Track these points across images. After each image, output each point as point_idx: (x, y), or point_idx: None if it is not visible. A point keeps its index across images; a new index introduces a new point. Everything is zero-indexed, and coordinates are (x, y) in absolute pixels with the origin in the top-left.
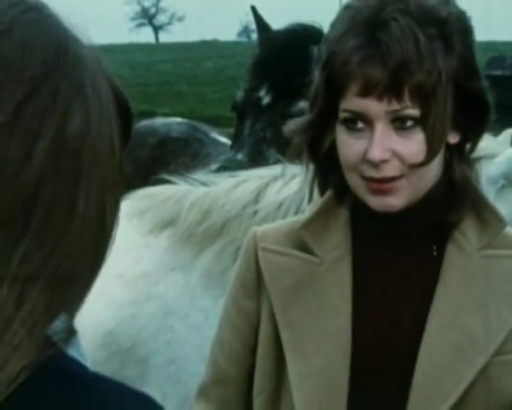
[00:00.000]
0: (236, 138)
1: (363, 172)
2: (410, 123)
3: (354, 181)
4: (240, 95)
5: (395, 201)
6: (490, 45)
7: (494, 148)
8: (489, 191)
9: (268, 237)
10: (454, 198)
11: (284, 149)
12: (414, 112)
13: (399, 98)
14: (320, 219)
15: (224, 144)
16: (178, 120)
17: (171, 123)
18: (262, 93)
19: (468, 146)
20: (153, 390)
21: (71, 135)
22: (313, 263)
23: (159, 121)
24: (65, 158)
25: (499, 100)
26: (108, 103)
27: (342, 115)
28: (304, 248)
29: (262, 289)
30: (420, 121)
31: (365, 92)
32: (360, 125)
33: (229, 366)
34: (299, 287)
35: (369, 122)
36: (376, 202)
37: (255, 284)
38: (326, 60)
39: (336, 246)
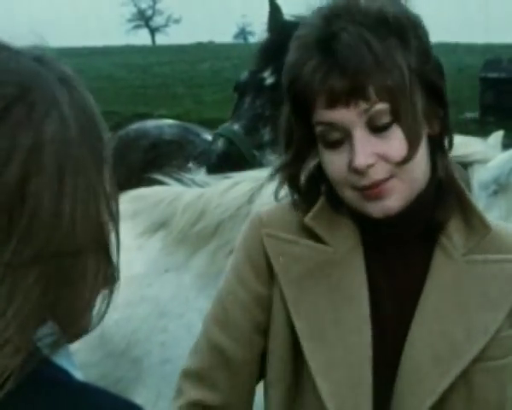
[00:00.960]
0: (235, 112)
1: (354, 184)
2: (384, 120)
3: (347, 194)
4: (244, 75)
5: (391, 203)
6: (486, 48)
7: (486, 152)
8: (480, 196)
9: (273, 222)
10: (440, 196)
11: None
12: (383, 106)
13: (365, 98)
14: (326, 212)
15: None
16: (170, 122)
17: (162, 125)
18: (266, 74)
19: (445, 140)
20: (147, 390)
21: (49, 139)
22: (327, 252)
23: (150, 124)
24: (47, 158)
25: (496, 102)
26: (86, 121)
27: (318, 130)
28: (314, 236)
29: (273, 274)
30: (393, 117)
31: (331, 104)
32: (336, 134)
33: (239, 350)
34: (313, 276)
35: (346, 132)
36: (374, 208)
37: (267, 270)
38: (288, 85)
39: (347, 237)
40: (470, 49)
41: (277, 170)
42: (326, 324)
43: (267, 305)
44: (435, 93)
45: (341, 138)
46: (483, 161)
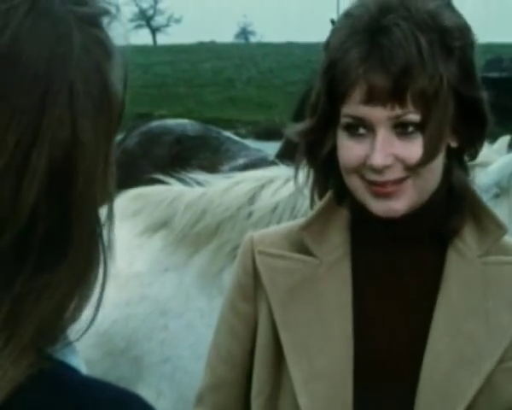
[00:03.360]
0: None
1: (364, 175)
2: (411, 128)
3: (354, 183)
4: None
5: (398, 205)
6: (487, 47)
7: (488, 156)
8: None
9: (265, 240)
10: (454, 204)
11: None
12: (416, 117)
13: (402, 104)
14: (320, 221)
15: (239, 142)
16: (188, 121)
17: (184, 123)
18: None
19: (468, 153)
20: (147, 389)
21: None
22: (313, 265)
23: (171, 122)
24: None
25: (497, 102)
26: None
27: (344, 120)
28: (303, 249)
29: (260, 291)
30: (420, 127)
31: (369, 100)
32: (362, 130)
33: (225, 371)
34: (299, 289)
35: (370, 127)
36: (379, 207)
37: (252, 288)
38: (327, 66)
39: (336, 247)
40: None
41: (301, 134)
42: (310, 336)
43: (254, 324)
44: (468, 108)
45: (365, 132)
46: (484, 164)
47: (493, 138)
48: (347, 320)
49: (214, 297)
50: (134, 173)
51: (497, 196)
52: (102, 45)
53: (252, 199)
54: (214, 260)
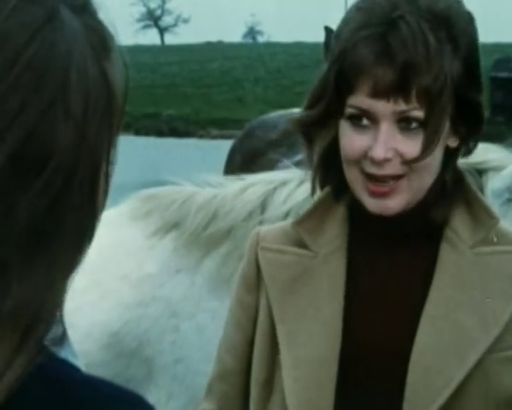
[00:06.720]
0: None
1: (364, 168)
2: (415, 124)
3: (353, 176)
4: None
5: (392, 204)
6: (496, 47)
7: (502, 160)
8: (494, 204)
9: (269, 235)
10: (445, 197)
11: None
12: (420, 113)
13: (407, 99)
14: (316, 215)
15: None
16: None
17: (279, 118)
18: None
19: (463, 151)
20: (159, 390)
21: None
22: (308, 257)
23: (271, 115)
24: None
25: (505, 101)
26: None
27: (349, 111)
28: (301, 244)
29: (261, 283)
30: (423, 124)
31: (374, 92)
32: (365, 121)
33: (231, 361)
34: (295, 282)
35: (374, 120)
36: (373, 205)
37: (255, 279)
38: (337, 56)
39: (331, 240)
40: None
41: (306, 123)
42: (301, 326)
43: (255, 315)
44: (468, 108)
45: (368, 124)
46: (498, 169)
47: (501, 139)
48: (337, 309)
49: (225, 299)
50: (229, 165)
51: (509, 200)
52: (98, 34)
53: (264, 203)
54: (225, 264)
